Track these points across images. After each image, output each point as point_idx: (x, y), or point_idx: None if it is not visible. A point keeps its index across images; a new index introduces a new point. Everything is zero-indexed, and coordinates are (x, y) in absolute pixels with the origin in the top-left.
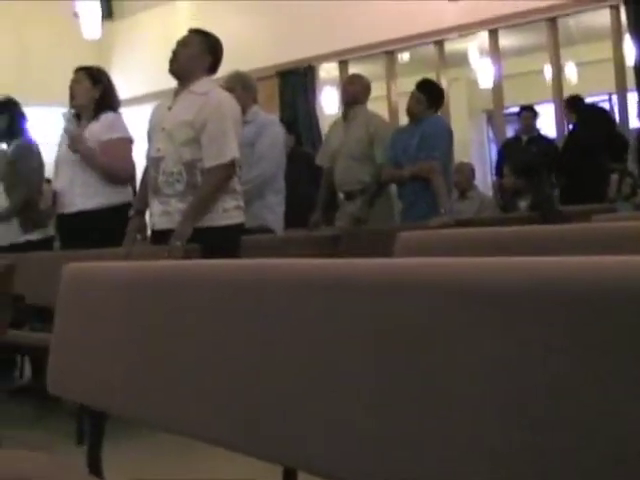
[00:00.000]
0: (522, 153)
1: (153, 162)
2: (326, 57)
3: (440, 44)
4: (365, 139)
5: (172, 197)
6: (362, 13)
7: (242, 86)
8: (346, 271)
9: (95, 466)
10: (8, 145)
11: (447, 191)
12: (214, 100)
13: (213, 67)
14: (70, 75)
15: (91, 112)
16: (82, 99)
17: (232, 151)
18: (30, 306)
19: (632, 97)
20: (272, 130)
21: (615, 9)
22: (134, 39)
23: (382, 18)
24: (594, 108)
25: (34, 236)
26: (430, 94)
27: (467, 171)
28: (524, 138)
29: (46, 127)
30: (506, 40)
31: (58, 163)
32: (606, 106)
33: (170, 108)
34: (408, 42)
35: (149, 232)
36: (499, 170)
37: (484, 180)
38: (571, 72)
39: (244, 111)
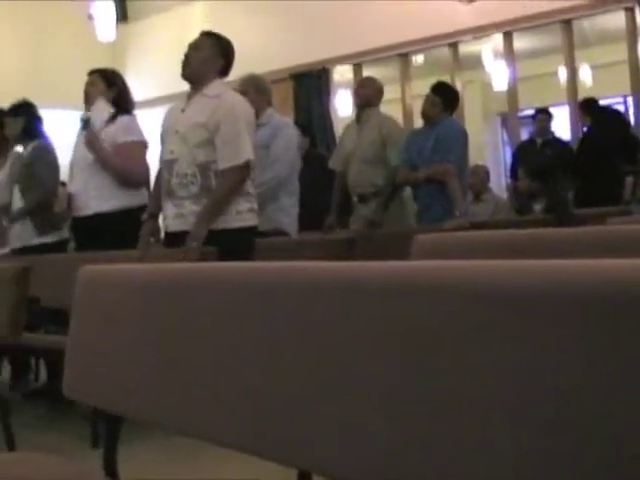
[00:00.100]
0: (537, 156)
1: (166, 165)
2: (340, 60)
3: (454, 46)
4: (378, 141)
5: (186, 199)
6: (376, 16)
7: (256, 89)
8: (361, 274)
9: (111, 469)
10: (24, 147)
11: (462, 194)
12: (227, 102)
13: (225, 70)
14: (84, 77)
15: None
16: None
17: (247, 153)
18: (45, 309)
19: None
20: (286, 132)
21: (630, 11)
22: (148, 41)
23: (396, 20)
24: (608, 110)
25: (49, 238)
26: (445, 97)
27: (482, 174)
28: (539, 141)
29: (61, 130)
30: (520, 42)
31: (73, 166)
32: (621, 108)
33: (183, 111)
34: (422, 44)
35: (162, 235)
36: (514, 173)
37: (498, 183)
38: (586, 74)
39: (258, 114)
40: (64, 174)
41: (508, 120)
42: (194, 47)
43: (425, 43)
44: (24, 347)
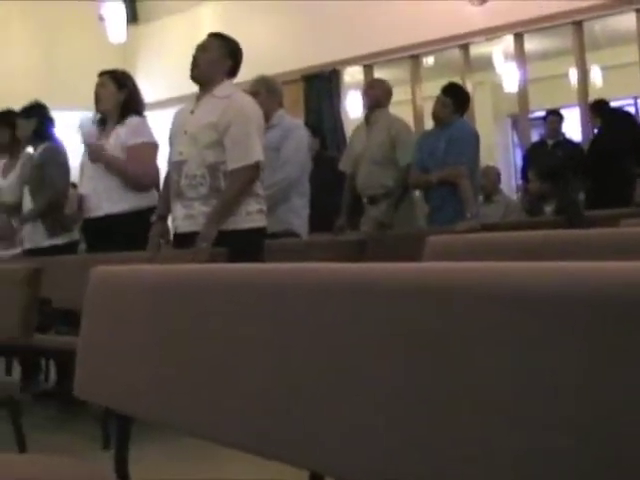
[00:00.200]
0: (548, 157)
1: (175, 166)
2: (351, 61)
3: (465, 48)
4: (387, 142)
5: (195, 200)
6: (387, 17)
7: (267, 90)
8: (372, 275)
9: (122, 470)
10: (35, 149)
11: (474, 195)
12: (237, 103)
13: (233, 71)
14: (95, 79)
15: (117, 116)
16: (107, 103)
17: (257, 153)
18: (56, 310)
19: None
20: (297, 134)
21: None
22: (159, 43)
23: (407, 22)
24: (619, 112)
25: (59, 240)
26: (456, 98)
27: (493, 175)
28: (550, 142)
29: (71, 131)
30: (531, 44)
31: (83, 167)
32: (631, 110)
33: (192, 112)
34: (433, 46)
35: (172, 236)
36: (525, 174)
37: (508, 184)
38: (596, 76)
39: (269, 115)
40: (74, 176)
41: (519, 121)
42: (202, 48)
43: (436, 44)
44: (35, 348)
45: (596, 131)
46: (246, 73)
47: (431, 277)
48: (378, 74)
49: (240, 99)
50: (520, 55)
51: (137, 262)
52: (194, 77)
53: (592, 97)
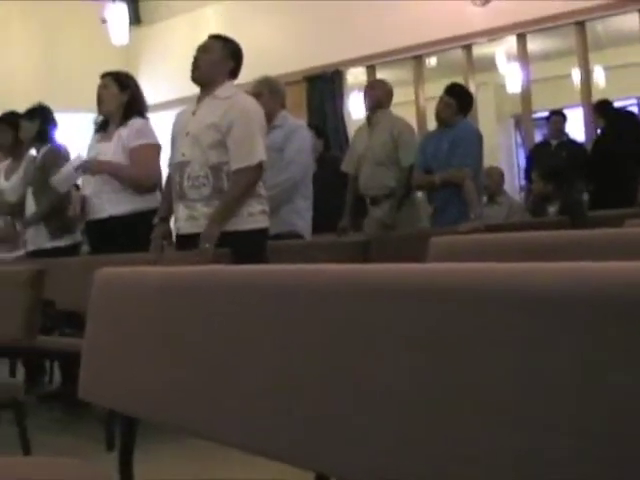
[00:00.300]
0: (551, 158)
1: (178, 167)
2: (354, 62)
3: (468, 48)
4: (389, 143)
5: (198, 201)
6: (390, 18)
7: (270, 90)
8: (377, 276)
9: (126, 472)
10: (37, 151)
11: (477, 196)
12: (239, 104)
13: (234, 72)
14: (98, 80)
15: (119, 118)
16: (110, 105)
17: (260, 154)
18: (60, 311)
19: None
20: (300, 135)
21: None
22: (162, 44)
23: (410, 23)
24: (623, 112)
25: (62, 242)
26: (459, 98)
27: (496, 176)
28: (553, 143)
29: (74, 133)
30: (534, 44)
31: None
32: (635, 110)
33: (194, 113)
34: (436, 46)
35: (174, 237)
36: (528, 175)
37: (512, 184)
38: (599, 76)
39: (272, 116)
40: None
41: (522, 122)
42: (203, 50)
43: (439, 45)
44: (39, 350)
45: (599, 131)
46: (249, 74)
47: (435, 278)
48: (381, 75)
49: (242, 100)
50: (523, 55)
51: (141, 264)
52: (195, 78)
53: (595, 97)
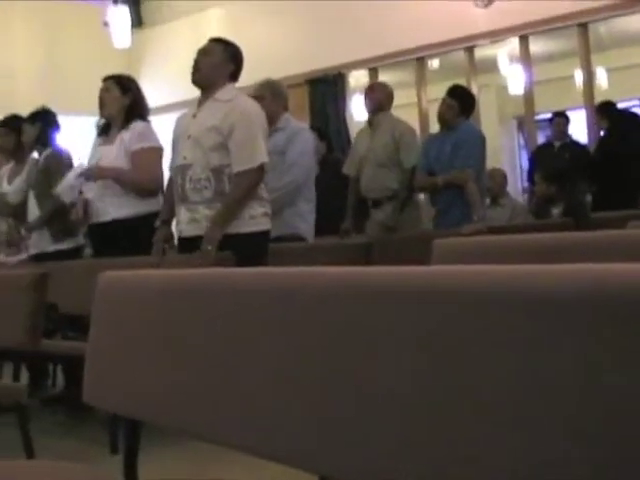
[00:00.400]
0: (554, 159)
1: (179, 170)
2: (356, 64)
3: (470, 50)
4: (391, 145)
5: (200, 204)
6: (392, 20)
7: (272, 93)
8: (380, 279)
9: (131, 475)
10: (39, 154)
11: (480, 198)
12: (240, 107)
13: (234, 75)
14: (100, 84)
15: (121, 121)
16: (112, 108)
17: (261, 156)
18: (63, 315)
19: None
20: (303, 137)
21: None
22: (164, 47)
23: (412, 25)
24: (626, 113)
25: (64, 245)
26: (461, 100)
27: (499, 177)
28: (556, 144)
29: (76, 136)
30: (536, 46)
31: None
32: (638, 111)
33: (195, 116)
34: (438, 48)
35: (176, 240)
36: (531, 177)
37: (514, 186)
38: (602, 78)
39: (275, 118)
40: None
41: (524, 124)
42: (204, 52)
43: (441, 47)
44: (42, 354)
45: (603, 133)
46: (251, 77)
47: (437, 280)
48: (383, 77)
49: (243, 102)
50: (525, 57)
51: (143, 267)
52: (195, 81)
53: (598, 99)
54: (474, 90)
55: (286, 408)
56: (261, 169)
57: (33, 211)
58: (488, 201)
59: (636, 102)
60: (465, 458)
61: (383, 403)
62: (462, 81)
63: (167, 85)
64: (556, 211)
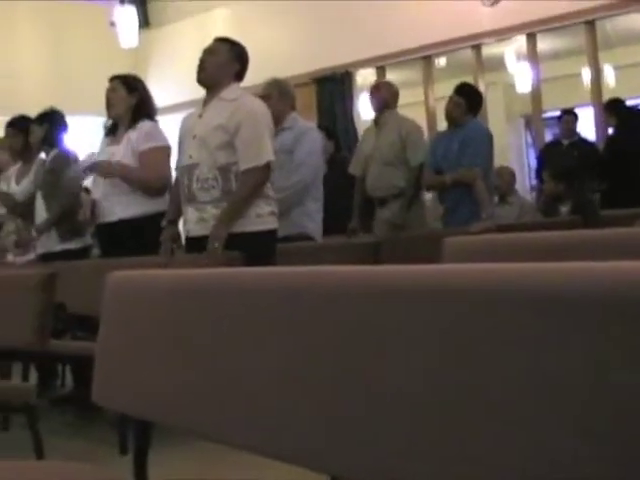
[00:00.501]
0: (563, 158)
1: (186, 170)
2: (363, 63)
3: (477, 48)
4: (398, 143)
5: (207, 204)
6: (398, 18)
7: (279, 92)
8: (391, 278)
9: (141, 476)
10: (46, 155)
11: (488, 196)
12: (246, 106)
13: (240, 75)
14: (106, 84)
15: (128, 121)
16: (119, 108)
17: (268, 154)
18: (71, 315)
19: None
20: (310, 137)
21: None
22: (170, 47)
23: (419, 23)
24: (635, 110)
25: (72, 245)
26: (469, 98)
27: (507, 175)
28: (565, 142)
29: (83, 136)
30: (544, 44)
31: None
32: None
33: (200, 116)
34: (445, 47)
35: (183, 240)
36: (539, 175)
37: (522, 184)
38: (609, 75)
39: (282, 118)
40: (87, 181)
41: (532, 122)
42: (209, 52)
43: (448, 45)
44: (51, 354)
45: (611, 130)
46: (258, 76)
47: (447, 279)
48: (390, 76)
49: (249, 101)
50: (532, 55)
51: (151, 267)
52: (201, 80)
53: (605, 97)
54: (481, 88)
55: (295, 408)
56: (267, 167)
57: (40, 212)
58: (496, 199)
59: None
60: (474, 457)
61: (393, 402)
62: (469, 79)
63: (173, 85)
64: (564, 209)
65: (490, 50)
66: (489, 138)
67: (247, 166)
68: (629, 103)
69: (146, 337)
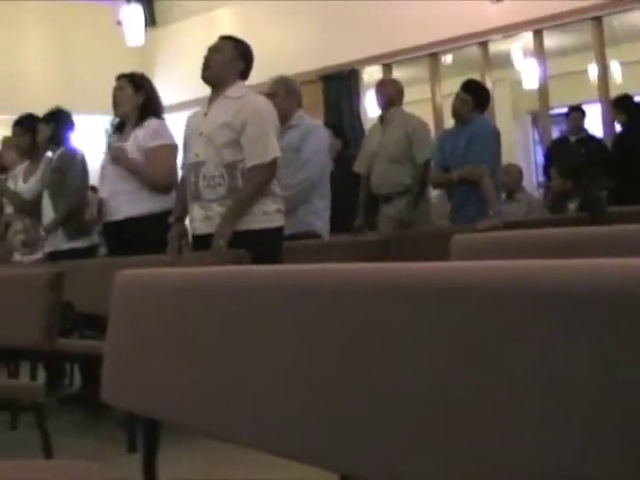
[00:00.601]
0: (570, 154)
1: (192, 168)
2: (369, 60)
3: (484, 45)
4: (404, 140)
5: (214, 202)
6: (405, 16)
7: (286, 90)
8: (400, 275)
9: (150, 474)
10: (53, 153)
11: (496, 193)
12: (251, 103)
13: (245, 73)
14: (113, 82)
15: (135, 119)
16: (126, 106)
17: (274, 151)
18: (78, 314)
19: None
20: (317, 134)
21: None
22: (177, 46)
23: (425, 20)
24: None
25: (79, 243)
26: (476, 95)
27: (515, 172)
28: (572, 139)
29: (90, 135)
30: (550, 40)
31: (103, 171)
32: None
33: (206, 114)
34: (452, 44)
35: (190, 238)
36: (547, 172)
37: (529, 181)
38: (616, 71)
39: (289, 115)
40: (94, 179)
41: (539, 118)
42: (214, 50)
43: (455, 42)
44: (59, 353)
45: (620, 127)
46: (264, 74)
47: (454, 276)
48: (397, 73)
49: (254, 99)
50: (539, 52)
51: (158, 265)
52: (205, 78)
53: (612, 93)
54: (488, 85)
55: (301, 406)
56: (273, 164)
57: (47, 210)
58: (504, 196)
59: None
60: (481, 455)
61: (399, 400)
62: (476, 76)
63: (179, 83)
64: (572, 206)
65: (497, 47)
66: (496, 135)
67: (253, 163)
68: (636, 99)
69: (154, 336)
